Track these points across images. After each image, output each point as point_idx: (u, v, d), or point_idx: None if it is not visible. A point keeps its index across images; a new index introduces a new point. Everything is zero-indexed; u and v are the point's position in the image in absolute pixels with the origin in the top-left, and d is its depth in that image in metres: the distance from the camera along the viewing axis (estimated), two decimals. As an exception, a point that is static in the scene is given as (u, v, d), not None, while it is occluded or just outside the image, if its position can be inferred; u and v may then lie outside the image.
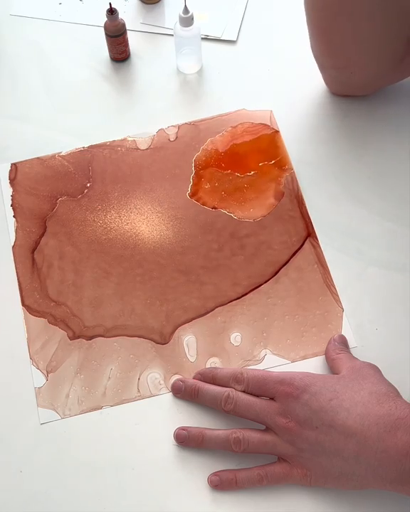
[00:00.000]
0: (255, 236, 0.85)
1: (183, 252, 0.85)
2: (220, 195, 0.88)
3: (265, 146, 0.91)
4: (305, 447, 0.70)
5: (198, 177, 0.89)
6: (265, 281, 0.83)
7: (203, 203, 0.87)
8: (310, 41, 0.87)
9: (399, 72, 0.89)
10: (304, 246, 0.84)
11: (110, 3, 0.90)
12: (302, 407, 0.70)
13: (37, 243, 0.85)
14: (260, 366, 0.79)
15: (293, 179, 0.88)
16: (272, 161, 0.89)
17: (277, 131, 0.91)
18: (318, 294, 0.82)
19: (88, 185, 0.89)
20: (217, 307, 0.82)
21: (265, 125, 0.92)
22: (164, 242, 0.85)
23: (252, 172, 0.89)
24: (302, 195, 0.87)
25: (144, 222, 0.87)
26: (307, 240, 0.85)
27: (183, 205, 0.87)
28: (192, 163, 0.90)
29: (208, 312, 0.82)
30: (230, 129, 0.92)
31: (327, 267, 0.83)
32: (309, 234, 0.85)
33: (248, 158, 0.90)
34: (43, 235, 0.86)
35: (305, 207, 0.86)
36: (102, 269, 0.84)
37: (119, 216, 0.87)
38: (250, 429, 0.73)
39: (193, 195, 0.88)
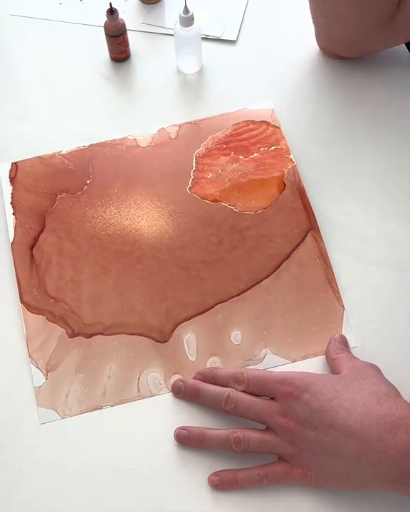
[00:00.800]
0: (256, 228, 0.85)
1: (182, 246, 0.84)
2: (223, 183, 0.88)
3: (267, 137, 0.91)
4: (305, 447, 0.69)
5: (201, 165, 0.89)
6: (266, 276, 0.82)
7: (204, 196, 0.87)
8: None
9: (385, 35, 0.89)
10: (306, 239, 0.84)
11: (110, 3, 0.90)
12: (303, 406, 0.70)
13: (36, 240, 0.85)
14: (261, 366, 0.78)
15: (295, 171, 0.88)
16: (273, 148, 0.90)
17: (278, 128, 0.91)
18: (319, 290, 0.81)
19: (88, 181, 0.89)
20: (217, 304, 0.81)
21: (267, 122, 0.92)
22: (163, 237, 0.85)
23: (255, 154, 0.89)
24: (304, 187, 0.87)
25: (144, 217, 0.86)
26: (309, 232, 0.84)
27: (183, 199, 0.87)
28: (193, 158, 0.89)
29: (208, 309, 0.81)
30: (231, 126, 0.92)
31: (329, 261, 0.83)
32: (312, 226, 0.84)
33: (250, 144, 0.90)
34: (41, 231, 0.86)
35: (307, 199, 0.86)
36: (101, 265, 0.83)
37: (119, 212, 0.87)
38: (250, 429, 0.73)
39: (194, 186, 0.88)
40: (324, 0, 0.87)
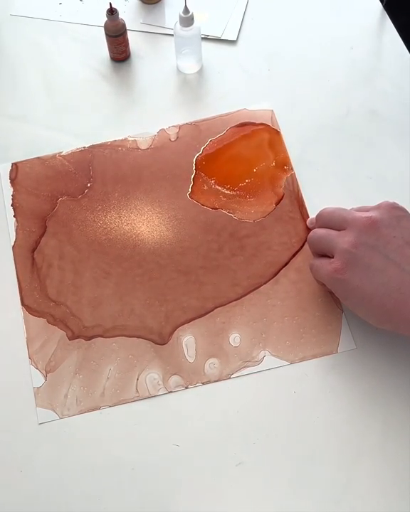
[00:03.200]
0: (255, 237, 0.85)
1: (182, 252, 0.84)
2: (219, 198, 0.88)
3: (265, 148, 0.90)
4: (370, 243, 0.70)
5: (198, 177, 0.89)
6: (265, 282, 0.83)
7: (204, 203, 0.87)
8: None
9: None
10: (304, 247, 0.84)
11: (110, 3, 0.90)
12: (392, 218, 0.72)
13: (37, 243, 0.85)
14: (259, 367, 0.79)
15: (293, 180, 0.88)
16: (272, 163, 0.89)
17: (278, 132, 0.91)
18: (318, 295, 0.81)
19: (89, 185, 0.89)
20: (216, 308, 0.81)
21: (266, 125, 0.92)
22: (163, 243, 0.85)
23: (246, 181, 0.89)
24: (302, 197, 0.87)
25: (144, 222, 0.87)
26: (308, 241, 0.84)
27: (183, 205, 0.87)
28: (193, 163, 0.90)
29: (207, 313, 0.81)
30: (231, 129, 0.92)
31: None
32: (310, 235, 0.85)
33: (245, 166, 0.90)
34: (43, 234, 0.86)
35: (306, 208, 0.86)
36: (101, 270, 0.84)
37: (120, 216, 0.87)
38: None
39: (194, 193, 0.88)
40: None
